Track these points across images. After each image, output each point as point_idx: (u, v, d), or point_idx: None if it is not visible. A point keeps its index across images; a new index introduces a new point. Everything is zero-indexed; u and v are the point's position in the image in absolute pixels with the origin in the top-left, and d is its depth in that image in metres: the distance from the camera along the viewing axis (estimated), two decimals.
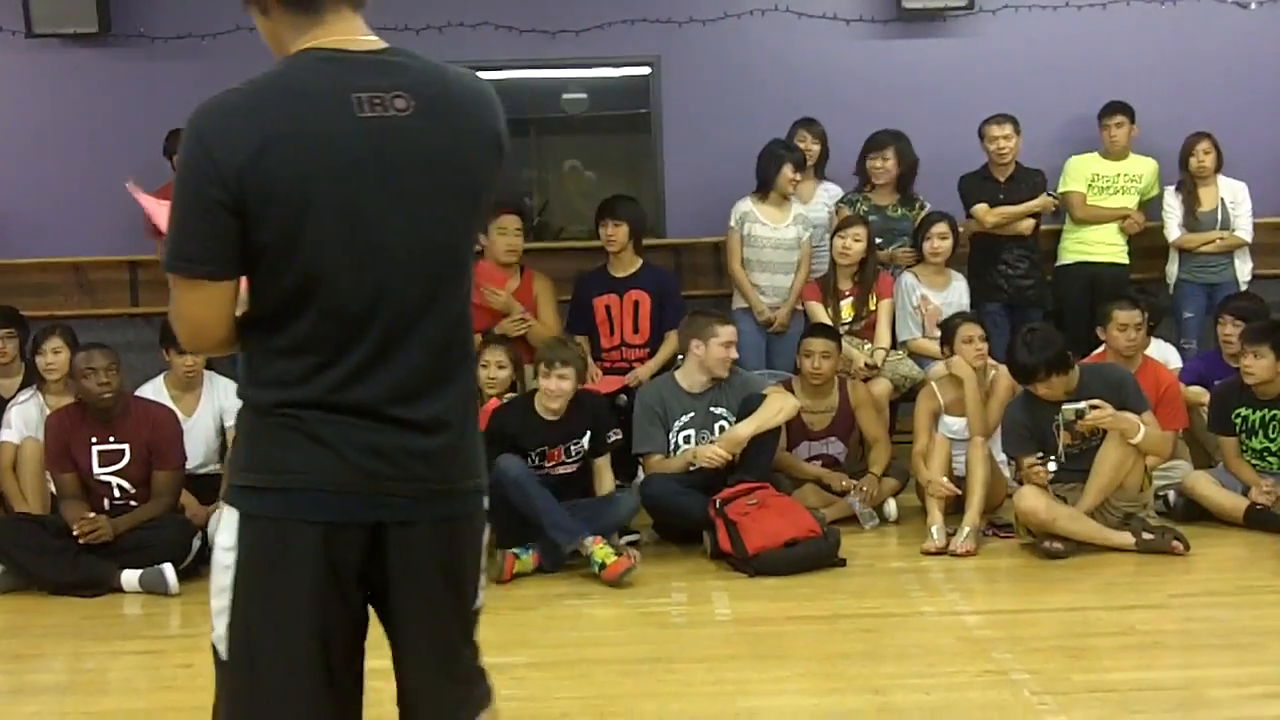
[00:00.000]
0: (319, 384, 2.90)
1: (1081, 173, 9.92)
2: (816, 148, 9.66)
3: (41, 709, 5.61)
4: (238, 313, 2.96)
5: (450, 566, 3.06)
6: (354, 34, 2.96)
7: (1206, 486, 8.02)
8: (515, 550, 7.32)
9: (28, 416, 8.11)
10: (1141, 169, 9.97)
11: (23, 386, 8.58)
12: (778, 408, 7.92)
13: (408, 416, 2.94)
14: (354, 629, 3.02)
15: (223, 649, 3.00)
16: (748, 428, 7.80)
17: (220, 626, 2.99)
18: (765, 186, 9.35)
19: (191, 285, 2.86)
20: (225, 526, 2.97)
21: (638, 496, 7.70)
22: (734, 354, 8.09)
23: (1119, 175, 9.92)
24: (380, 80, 2.90)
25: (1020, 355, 7.57)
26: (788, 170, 9.25)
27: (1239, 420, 8.13)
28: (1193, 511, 8.00)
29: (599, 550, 7.21)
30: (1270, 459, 8.08)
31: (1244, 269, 9.78)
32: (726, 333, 8.03)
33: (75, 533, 7.25)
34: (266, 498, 2.92)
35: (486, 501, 3.16)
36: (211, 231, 2.80)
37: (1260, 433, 8.07)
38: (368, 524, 2.94)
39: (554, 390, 7.53)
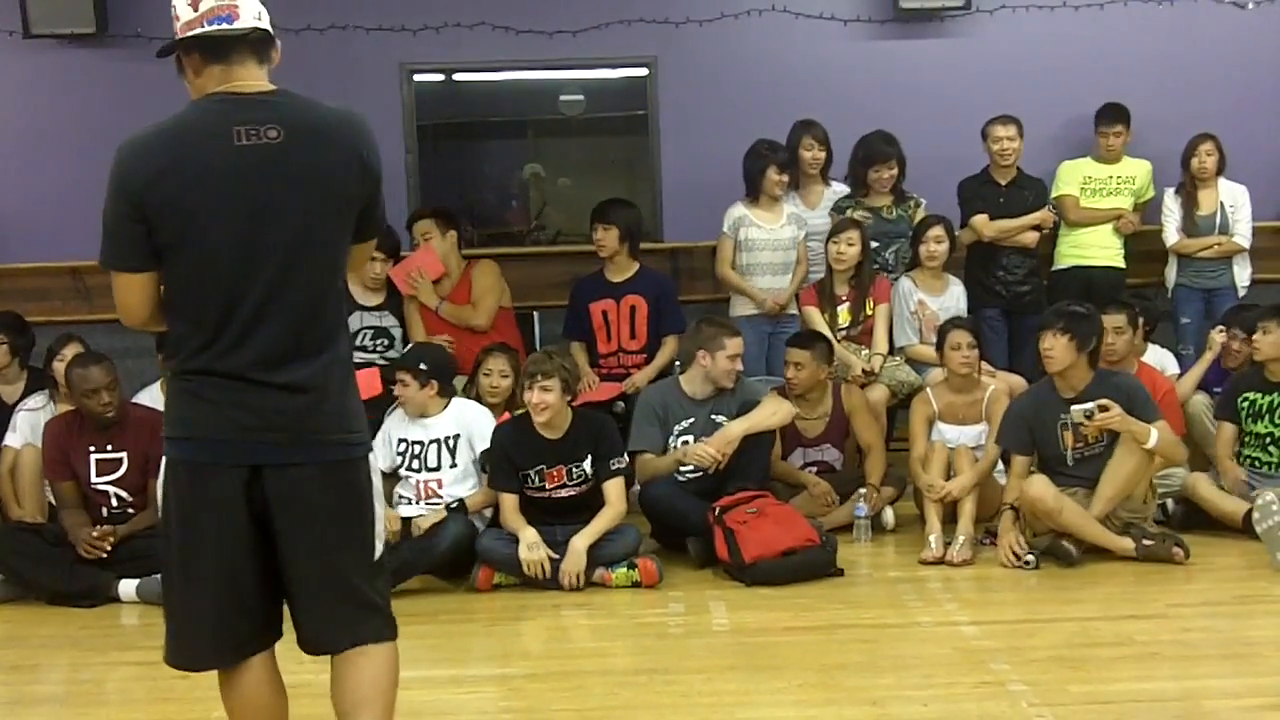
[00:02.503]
0: (204, 356, 3.73)
1: (1074, 177, 9.90)
2: (822, 155, 9.57)
3: None
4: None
5: (329, 504, 3.83)
6: (251, 80, 3.81)
7: (1207, 489, 8.00)
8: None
9: (36, 423, 8.10)
10: (1134, 171, 9.95)
11: (29, 391, 8.63)
12: (772, 410, 7.92)
13: (270, 380, 3.74)
14: (254, 546, 3.83)
15: (164, 545, 3.92)
16: (740, 426, 7.78)
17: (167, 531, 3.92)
18: (754, 190, 9.30)
19: (117, 275, 3.78)
20: (163, 466, 3.89)
21: (638, 533, 7.57)
22: (740, 365, 8.06)
23: (1111, 177, 9.89)
24: (257, 115, 3.73)
25: (1050, 315, 7.69)
26: (772, 172, 9.20)
27: (1246, 404, 8.16)
28: (1191, 520, 7.99)
29: (619, 576, 7.29)
30: (1273, 448, 8.07)
31: (1242, 274, 9.75)
32: (734, 345, 7.98)
33: (85, 550, 7.27)
34: (179, 445, 3.82)
35: (370, 456, 4.00)
36: (126, 236, 3.71)
37: (1267, 417, 8.08)
38: (244, 465, 3.76)
39: (537, 403, 7.39)
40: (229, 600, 3.84)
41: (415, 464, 7.76)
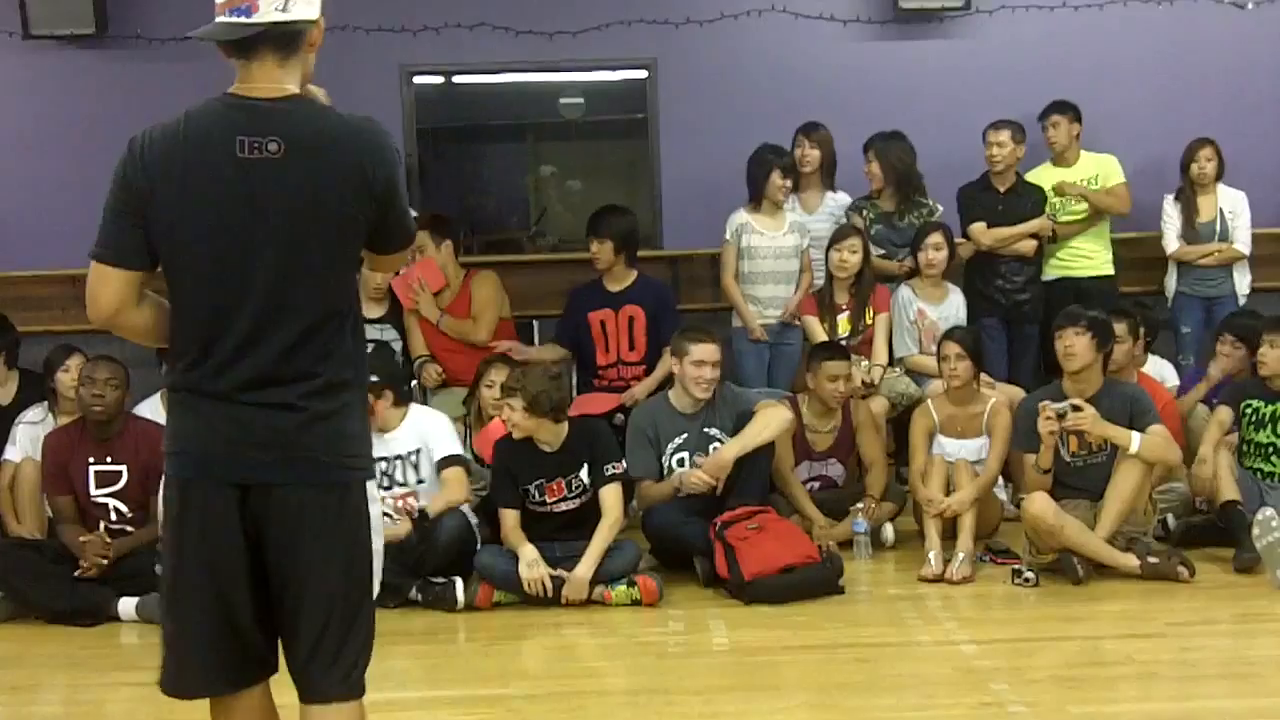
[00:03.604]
0: (194, 374, 3.61)
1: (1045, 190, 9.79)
2: (816, 153, 9.51)
3: None
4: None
5: (318, 529, 3.63)
6: (268, 82, 3.61)
7: (1224, 464, 7.91)
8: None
9: (36, 436, 8.08)
10: (1095, 169, 9.82)
11: (20, 393, 8.66)
12: (763, 425, 7.78)
13: (262, 400, 3.58)
14: (246, 567, 3.65)
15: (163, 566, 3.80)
16: (732, 449, 7.69)
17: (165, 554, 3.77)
18: (757, 195, 9.24)
19: (96, 265, 3.61)
20: (163, 483, 3.74)
21: (638, 549, 7.53)
22: (708, 373, 7.86)
23: (1075, 182, 9.77)
24: (262, 125, 3.55)
25: (1067, 315, 7.69)
26: (776, 177, 9.14)
27: (1249, 411, 8.10)
28: (1189, 538, 7.94)
29: (619, 594, 7.25)
30: (1276, 458, 8.02)
31: (1242, 281, 9.72)
32: (699, 351, 7.85)
33: (82, 565, 7.23)
34: (174, 460, 3.68)
35: (368, 486, 3.75)
36: (118, 229, 3.58)
37: (1270, 426, 8.03)
38: (236, 483, 3.59)
39: (505, 420, 7.42)
40: (221, 626, 3.67)
41: (386, 481, 7.58)
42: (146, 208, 3.53)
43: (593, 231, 9.10)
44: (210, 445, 3.59)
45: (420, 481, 7.63)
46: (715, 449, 7.85)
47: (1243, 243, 9.69)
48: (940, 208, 9.53)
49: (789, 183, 9.24)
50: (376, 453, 7.24)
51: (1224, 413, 8.13)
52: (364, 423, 3.78)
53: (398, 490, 7.61)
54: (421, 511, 7.49)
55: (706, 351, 7.88)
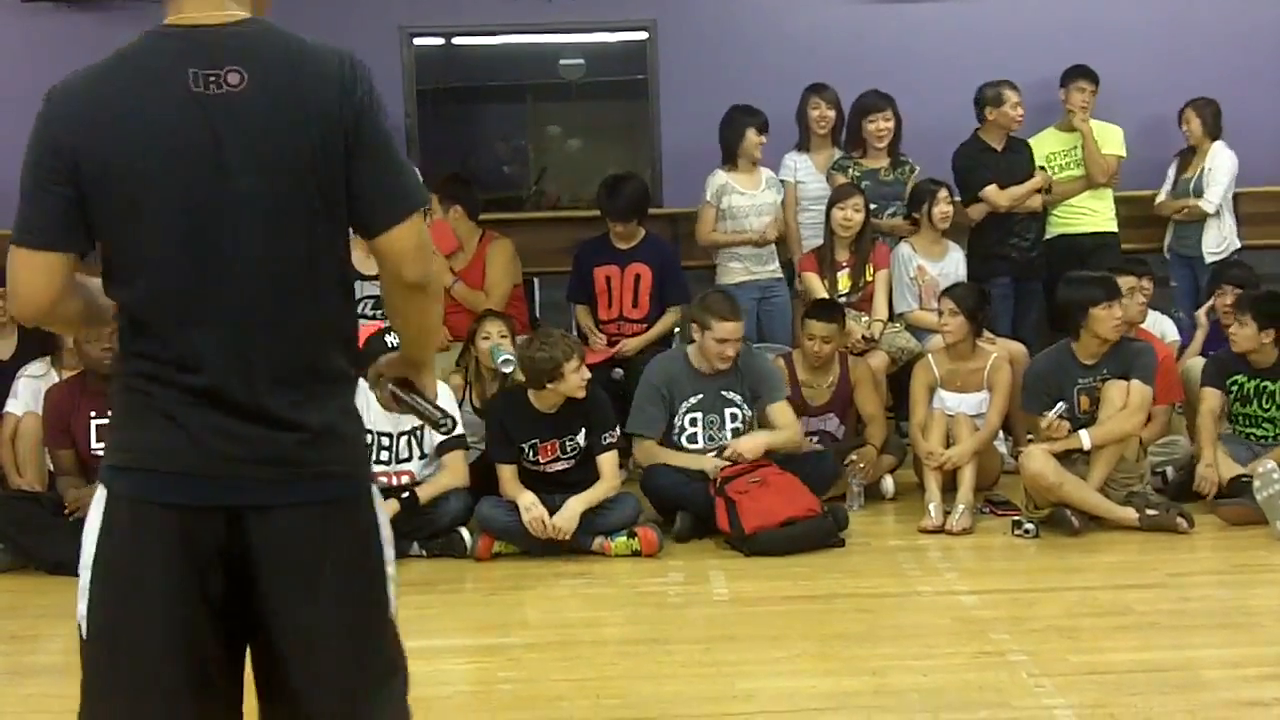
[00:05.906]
0: (163, 363, 2.87)
1: (1039, 155, 9.76)
2: (832, 114, 9.46)
3: (38, 691, 5.60)
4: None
5: (328, 551, 2.94)
6: (210, 8, 2.91)
7: (1221, 456, 7.89)
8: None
9: (37, 390, 8.08)
10: (1096, 136, 9.77)
11: (20, 348, 8.65)
12: (784, 438, 7.87)
13: (265, 406, 2.89)
14: (218, 618, 2.92)
15: (84, 628, 2.94)
16: (761, 442, 7.73)
17: (82, 605, 2.94)
18: (732, 154, 9.23)
19: (19, 251, 2.89)
20: (95, 504, 2.95)
21: (637, 503, 7.52)
22: (730, 350, 7.76)
23: (1075, 148, 9.79)
24: (216, 55, 2.85)
25: (1110, 287, 7.69)
26: (752, 134, 9.15)
27: (1235, 387, 8.09)
28: (1188, 491, 7.90)
29: (618, 545, 7.27)
30: (1266, 425, 8.04)
31: (1209, 240, 9.63)
32: (722, 329, 7.71)
33: (68, 509, 7.27)
34: (128, 477, 2.90)
35: (374, 493, 3.08)
36: (47, 203, 2.88)
37: (1255, 401, 8.05)
38: (223, 508, 2.86)
39: (576, 389, 7.32)
40: (188, 679, 2.91)
41: (385, 456, 7.46)
42: (79, 170, 2.85)
43: (619, 216, 9.01)
44: (193, 461, 2.87)
45: (423, 456, 7.54)
46: (732, 414, 7.89)
47: (1209, 201, 9.59)
48: (918, 166, 9.48)
49: (764, 139, 9.23)
50: (381, 427, 7.27)
51: (1212, 397, 8.06)
52: (361, 422, 3.19)
53: (395, 467, 7.47)
54: (412, 492, 7.36)
55: (729, 330, 7.75)
